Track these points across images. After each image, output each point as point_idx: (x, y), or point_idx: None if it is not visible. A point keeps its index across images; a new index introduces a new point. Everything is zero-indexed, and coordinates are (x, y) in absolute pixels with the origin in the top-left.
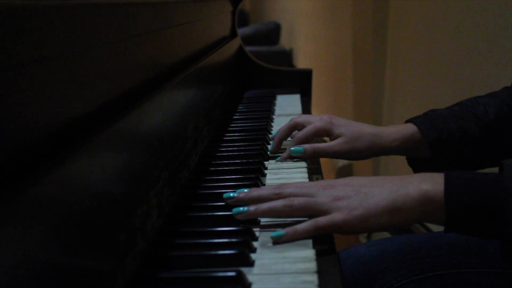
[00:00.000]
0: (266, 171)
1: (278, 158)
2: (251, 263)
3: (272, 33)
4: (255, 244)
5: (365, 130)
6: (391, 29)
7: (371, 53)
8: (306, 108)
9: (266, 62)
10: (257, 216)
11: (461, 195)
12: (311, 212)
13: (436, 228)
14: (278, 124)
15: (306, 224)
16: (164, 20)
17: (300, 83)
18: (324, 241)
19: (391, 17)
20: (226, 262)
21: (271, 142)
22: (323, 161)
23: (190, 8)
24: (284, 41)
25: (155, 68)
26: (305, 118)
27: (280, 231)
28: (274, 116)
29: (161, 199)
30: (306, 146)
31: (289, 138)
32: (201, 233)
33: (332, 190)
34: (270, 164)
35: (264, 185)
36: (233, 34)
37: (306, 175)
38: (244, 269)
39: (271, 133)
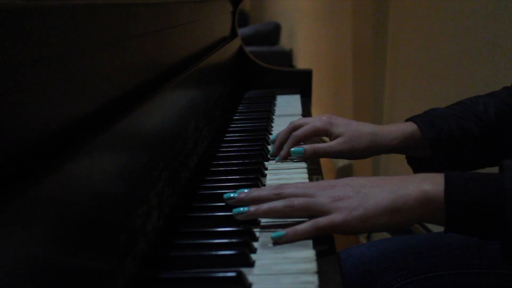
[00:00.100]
0: (266, 172)
1: (277, 158)
2: (251, 264)
3: (272, 33)
4: (256, 244)
5: (365, 129)
6: (391, 29)
7: (371, 53)
8: (306, 108)
9: (266, 62)
10: (257, 216)
11: (461, 196)
12: (311, 212)
13: (436, 228)
14: (278, 125)
15: (306, 225)
16: (164, 20)
17: (300, 83)
18: (324, 242)
19: (391, 17)
20: (227, 262)
21: (271, 144)
22: (323, 161)
23: (191, 8)
24: (284, 41)
25: (156, 68)
26: (305, 120)
27: (280, 232)
28: (274, 117)
29: (161, 199)
30: (306, 146)
31: None
32: (201, 233)
33: (332, 191)
34: (270, 164)
35: (264, 185)
36: (233, 35)
37: (306, 175)
38: (245, 270)
39: (271, 134)
